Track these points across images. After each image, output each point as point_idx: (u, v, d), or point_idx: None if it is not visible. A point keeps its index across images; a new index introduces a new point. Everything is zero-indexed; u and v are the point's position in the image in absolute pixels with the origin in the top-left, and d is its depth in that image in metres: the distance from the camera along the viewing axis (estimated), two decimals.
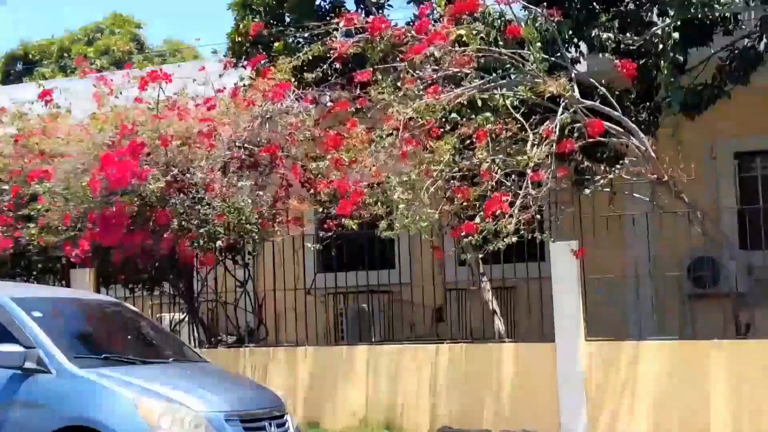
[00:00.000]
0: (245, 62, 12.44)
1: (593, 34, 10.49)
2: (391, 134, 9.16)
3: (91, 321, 8.51)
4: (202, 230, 10.73)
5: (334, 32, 10.55)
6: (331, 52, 10.36)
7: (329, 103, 11.14)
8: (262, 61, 10.98)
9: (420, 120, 9.10)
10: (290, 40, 11.86)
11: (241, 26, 12.25)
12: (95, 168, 10.25)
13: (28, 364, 7.35)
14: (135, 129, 10.53)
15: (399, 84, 10.14)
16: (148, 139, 10.35)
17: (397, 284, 13.79)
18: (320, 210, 9.86)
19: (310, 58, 10.20)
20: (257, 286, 12.65)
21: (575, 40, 10.71)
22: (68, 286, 11.63)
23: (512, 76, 10.18)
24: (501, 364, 10.55)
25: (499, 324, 11.73)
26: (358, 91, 10.65)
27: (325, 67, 10.37)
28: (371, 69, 9.71)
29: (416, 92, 9.91)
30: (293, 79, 11.04)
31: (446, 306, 13.73)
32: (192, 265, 11.92)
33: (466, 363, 10.75)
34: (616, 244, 12.09)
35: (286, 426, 7.77)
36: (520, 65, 9.91)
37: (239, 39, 12.25)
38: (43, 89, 12.39)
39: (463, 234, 9.64)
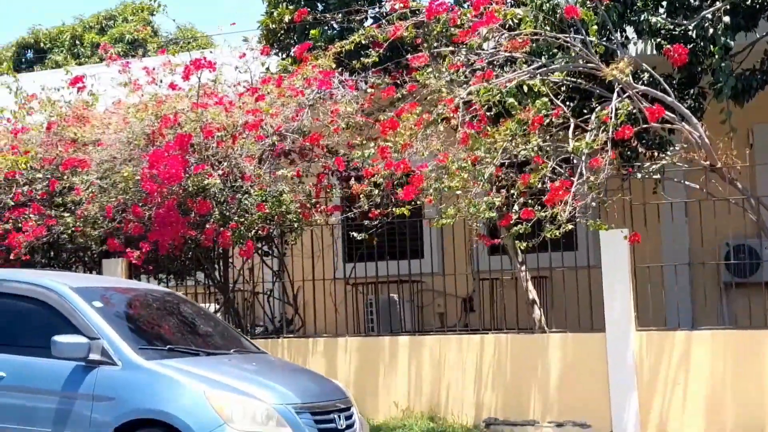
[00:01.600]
0: (277, 49, 12.24)
1: (641, 18, 10.30)
2: (447, 118, 8.96)
3: (149, 311, 8.30)
4: (243, 219, 10.54)
5: (378, 17, 10.35)
6: (375, 37, 10.16)
7: (369, 90, 10.93)
8: (309, 48, 10.72)
9: (478, 103, 8.89)
10: (326, 27, 11.64)
11: (275, 13, 12.00)
12: (144, 166, 10.00)
13: (93, 356, 7.17)
14: (177, 119, 10.29)
15: (445, 68, 9.98)
16: (191, 130, 10.11)
17: (427, 274, 13.67)
18: (373, 196, 9.63)
19: (362, 42, 9.98)
20: (290, 276, 12.49)
21: (623, 24, 10.52)
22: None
23: (561, 61, 10.02)
24: (548, 355, 10.42)
25: (539, 314, 11.57)
26: (403, 77, 10.51)
27: (371, 52, 10.15)
28: (427, 53, 9.49)
29: (464, 77, 9.76)
30: (333, 65, 10.83)
31: (477, 296, 13.60)
32: (228, 254, 11.75)
33: (511, 353, 10.62)
34: (652, 232, 11.97)
35: (353, 418, 7.61)
36: (571, 49, 9.75)
37: (273, 26, 12.00)
38: (74, 76, 12.12)
39: (513, 222, 9.50)
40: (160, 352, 7.42)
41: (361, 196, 9.44)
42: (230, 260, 12.00)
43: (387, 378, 11.06)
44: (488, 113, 9.51)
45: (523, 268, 11.81)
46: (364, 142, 11.15)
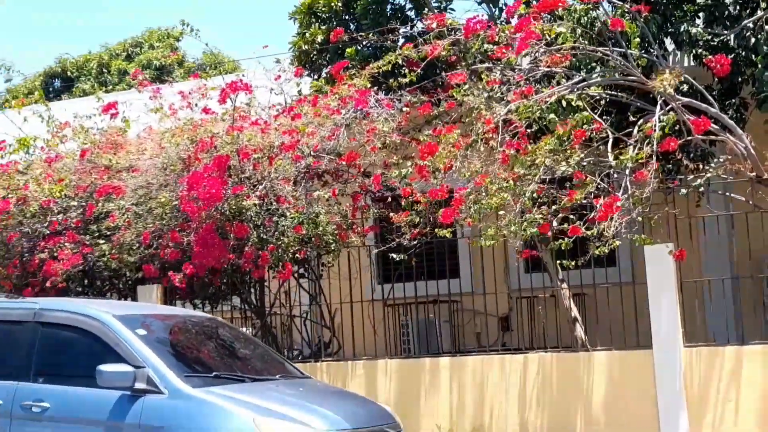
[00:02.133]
0: (309, 70, 12.17)
1: (681, 30, 10.16)
2: (486, 137, 8.84)
3: (191, 337, 8.19)
4: (280, 242, 10.43)
5: (412, 36, 10.26)
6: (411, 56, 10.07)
7: (404, 108, 10.81)
8: (344, 68, 10.63)
9: (518, 120, 8.77)
10: (359, 47, 11.56)
11: (307, 34, 11.94)
12: (183, 189, 9.91)
13: (138, 385, 7.05)
14: (213, 143, 10.21)
15: (483, 86, 9.87)
16: (228, 153, 10.03)
17: (463, 293, 13.51)
18: (416, 220, 9.50)
19: (400, 62, 9.89)
20: (323, 298, 12.35)
21: (661, 36, 10.39)
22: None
23: (599, 75, 9.89)
24: (593, 373, 10.22)
25: (581, 332, 11.36)
26: (438, 95, 10.40)
27: (408, 72, 10.05)
28: (466, 70, 9.38)
29: (501, 93, 9.64)
30: (369, 85, 10.74)
31: (514, 314, 13.43)
32: (263, 278, 11.63)
33: (556, 372, 10.43)
34: (693, 245, 11.78)
35: None
36: (611, 62, 9.62)
37: (305, 47, 11.93)
38: (107, 103, 12.08)
39: (551, 237, 9.36)
40: (206, 379, 7.29)
41: (403, 224, 9.30)
42: (267, 283, 11.88)
43: (429, 400, 10.89)
44: (528, 130, 9.38)
45: (564, 285, 11.65)
46: (400, 161, 11.06)
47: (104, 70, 21.18)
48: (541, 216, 8.83)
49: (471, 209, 8.80)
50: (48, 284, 10.87)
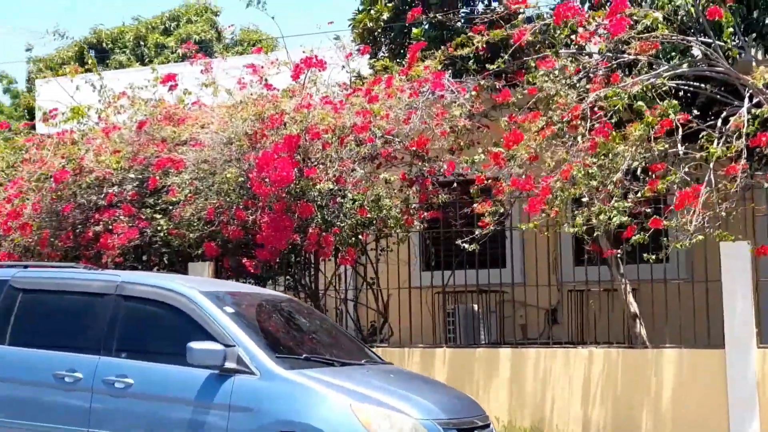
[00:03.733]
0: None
1: (766, 21, 9.91)
2: (574, 126, 8.60)
3: (276, 317, 7.93)
4: (344, 224, 10.19)
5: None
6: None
7: (473, 93, 10.55)
8: (421, 49, 10.35)
9: (608, 107, 8.51)
10: (426, 26, 11.29)
11: (372, 11, 11.65)
12: (252, 168, 9.65)
13: (228, 364, 6.79)
14: (282, 120, 9.94)
15: (560, 71, 9.64)
16: (298, 131, 9.76)
17: (510, 284, 13.26)
18: (500, 209, 9.28)
19: (485, 44, 9.62)
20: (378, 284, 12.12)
21: (744, 27, 10.14)
22: None
23: (683, 64, 9.65)
24: (661, 371, 10.02)
25: (641, 328, 11.13)
26: (512, 80, 10.16)
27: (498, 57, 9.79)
28: (554, 56, 9.13)
29: (578, 80, 9.42)
30: (439, 67, 10.48)
31: (562, 307, 13.21)
32: (318, 259, 11.40)
33: (622, 368, 10.22)
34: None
35: None
36: (694, 52, 9.40)
37: (370, 24, 11.65)
38: (166, 74, 11.82)
39: (635, 232, 9.12)
40: (297, 362, 7.04)
41: (486, 213, 9.06)
42: (320, 265, 11.65)
43: (487, 391, 10.66)
44: (610, 120, 9.14)
45: (624, 279, 11.41)
46: (469, 146, 10.82)
47: (141, 43, 20.89)
48: (629, 204, 8.57)
49: (558, 199, 8.55)
50: (104, 258, 10.61)
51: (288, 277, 11.73)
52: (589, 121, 8.58)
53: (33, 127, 15.41)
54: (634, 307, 11.15)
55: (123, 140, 11.54)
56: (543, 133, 8.78)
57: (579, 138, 8.69)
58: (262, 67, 10.82)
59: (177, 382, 6.95)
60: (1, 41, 54.55)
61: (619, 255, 10.51)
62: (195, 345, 6.79)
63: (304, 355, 7.18)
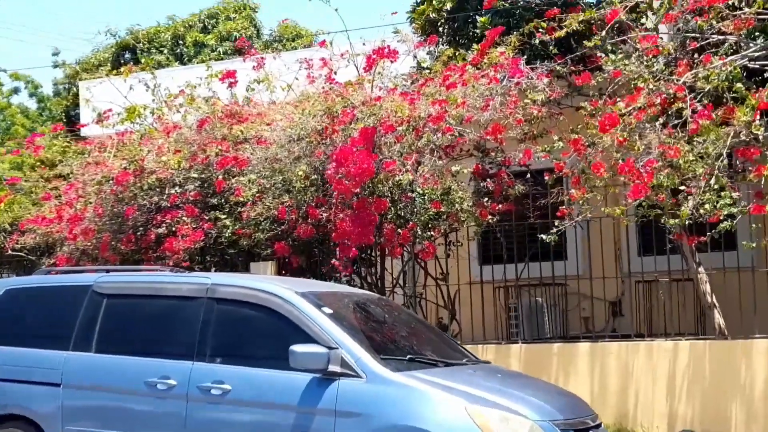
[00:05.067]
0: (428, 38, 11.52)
1: None
2: (680, 109, 8.25)
3: (372, 317, 7.60)
4: (418, 218, 9.88)
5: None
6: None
7: (544, 80, 10.21)
8: (500, 34, 10.02)
9: (709, 87, 8.16)
10: (493, 14, 10.96)
11: (434, 1, 11.33)
12: (329, 165, 9.34)
13: (332, 367, 6.47)
14: (354, 114, 9.63)
15: (641, 52, 9.33)
16: (372, 124, 9.44)
17: (571, 276, 12.92)
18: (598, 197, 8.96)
19: (574, 29, 9.30)
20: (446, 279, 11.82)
21: None
22: None
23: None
24: (751, 363, 9.67)
25: (720, 319, 10.77)
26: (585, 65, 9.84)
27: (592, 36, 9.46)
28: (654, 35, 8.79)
29: (674, 62, 9.09)
30: (511, 54, 10.16)
31: (626, 299, 12.87)
32: (384, 255, 11.07)
33: (709, 360, 9.88)
34: None
35: None
36: None
37: (432, 15, 11.33)
38: (226, 71, 11.54)
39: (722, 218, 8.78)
40: (402, 363, 6.72)
41: (580, 201, 8.73)
42: (384, 261, 11.34)
43: (567, 387, 10.32)
44: (700, 102, 8.79)
45: (701, 269, 11.06)
46: (541, 135, 10.50)
47: (179, 42, 20.63)
48: (737, 195, 8.23)
49: (665, 182, 8.20)
50: (170, 262, 10.31)
51: (353, 275, 11.42)
52: (688, 103, 8.20)
53: (70, 130, 15.20)
54: (710, 298, 10.82)
55: (183, 140, 11.24)
56: (638, 115, 8.43)
57: (665, 123, 8.32)
58: (330, 59, 10.49)
59: (277, 387, 6.65)
60: (25, 47, 54.56)
61: (696, 244, 10.20)
62: (298, 348, 6.48)
63: (408, 356, 6.86)
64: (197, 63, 18.95)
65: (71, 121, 16.94)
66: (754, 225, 9.34)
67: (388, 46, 9.94)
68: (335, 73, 10.44)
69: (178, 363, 7.00)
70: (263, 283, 7.27)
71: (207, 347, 6.97)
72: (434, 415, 6.23)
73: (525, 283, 11.97)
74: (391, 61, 9.96)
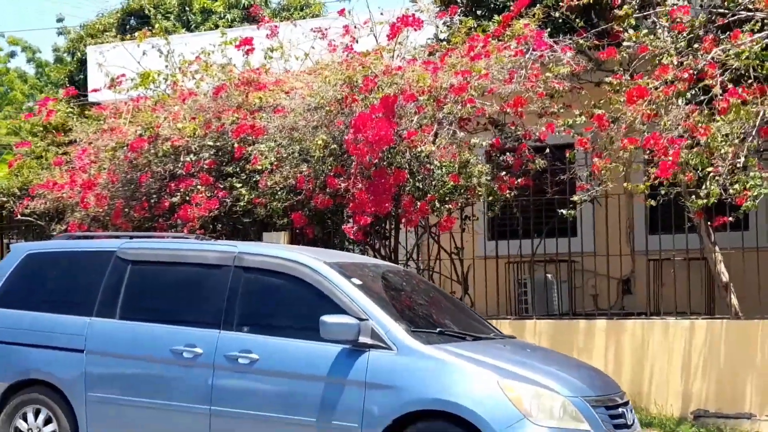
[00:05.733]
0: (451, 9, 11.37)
1: None
2: (708, 85, 8.15)
3: (400, 289, 7.52)
4: (438, 191, 9.79)
5: None
6: None
7: (568, 54, 10.10)
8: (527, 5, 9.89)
9: (742, 65, 8.06)
10: None
11: None
12: (348, 132, 9.24)
13: (363, 339, 6.41)
14: (375, 83, 9.51)
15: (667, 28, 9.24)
16: (393, 94, 9.33)
17: (581, 253, 12.88)
18: (620, 168, 8.89)
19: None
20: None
21: None
22: None
23: None
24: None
25: (734, 299, 10.73)
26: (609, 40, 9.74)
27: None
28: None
29: (697, 38, 8.99)
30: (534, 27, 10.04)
31: (637, 277, 12.82)
32: (398, 227, 11.00)
33: (725, 341, 9.85)
34: None
35: (633, 414, 6.88)
36: None
37: None
38: (243, 38, 11.39)
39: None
40: (432, 336, 6.66)
41: (602, 171, 8.65)
42: (398, 233, 11.26)
43: None
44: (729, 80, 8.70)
45: (716, 248, 11.01)
46: (561, 109, 10.40)
47: (186, 9, 20.42)
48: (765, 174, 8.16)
49: (694, 161, 8.12)
50: (186, 230, 10.21)
51: (366, 246, 11.34)
52: (717, 80, 8.11)
53: (76, 96, 15.03)
54: (725, 277, 10.77)
55: (198, 107, 11.11)
56: (666, 90, 8.34)
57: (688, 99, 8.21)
58: (357, 27, 10.36)
59: (306, 357, 6.59)
60: (21, 11, 54.00)
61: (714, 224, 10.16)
62: (328, 318, 6.42)
63: (438, 329, 6.79)
64: (205, 30, 18.76)
65: (75, 86, 16.69)
66: None
67: (413, 14, 9.81)
68: (357, 41, 10.31)
69: (204, 331, 6.93)
70: (291, 252, 7.19)
71: (234, 316, 6.90)
72: (466, 388, 6.18)
73: (536, 259, 11.92)
74: (415, 29, 9.84)
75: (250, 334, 6.83)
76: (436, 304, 7.65)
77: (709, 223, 9.90)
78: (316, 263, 6.87)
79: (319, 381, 6.51)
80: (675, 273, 11.58)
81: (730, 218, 9.33)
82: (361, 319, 6.46)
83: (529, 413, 6.07)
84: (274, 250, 7.29)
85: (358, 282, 6.79)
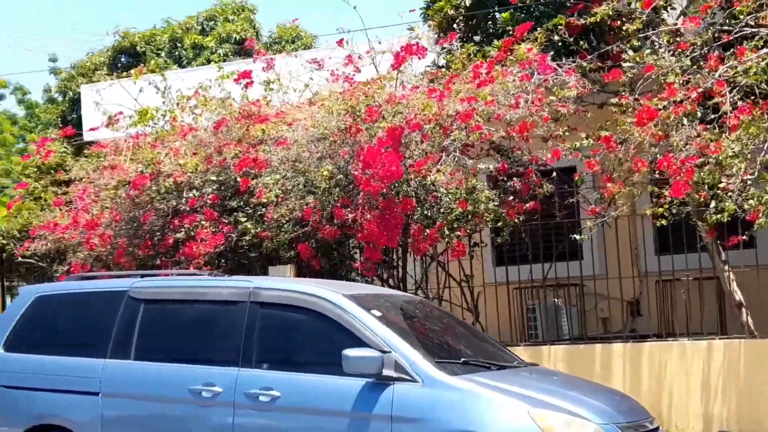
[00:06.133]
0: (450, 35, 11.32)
1: None
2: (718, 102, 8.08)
3: (419, 320, 7.35)
4: (445, 219, 9.68)
5: None
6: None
7: (567, 78, 10.03)
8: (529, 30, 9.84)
9: (751, 82, 7.99)
10: (514, 10, 10.79)
11: None
12: (356, 166, 9.13)
13: (387, 372, 6.25)
14: (380, 112, 9.41)
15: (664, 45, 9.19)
16: (398, 123, 9.23)
17: (588, 276, 12.76)
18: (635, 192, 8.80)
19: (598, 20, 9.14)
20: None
21: None
22: None
23: None
24: None
25: (748, 317, 10.61)
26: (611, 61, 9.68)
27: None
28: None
29: (701, 56, 8.94)
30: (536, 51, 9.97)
31: (645, 299, 12.70)
32: (407, 257, 10.87)
33: (744, 360, 9.72)
34: None
35: None
36: None
37: (451, 12, 11.14)
38: (242, 71, 11.30)
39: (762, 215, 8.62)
40: (457, 366, 6.51)
41: (616, 196, 8.55)
42: (406, 263, 11.12)
43: None
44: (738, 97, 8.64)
45: (726, 267, 10.90)
46: (567, 132, 10.31)
47: (177, 45, 20.33)
48: None
49: (706, 180, 8.03)
50: (192, 267, 10.05)
51: (374, 276, 11.20)
52: (727, 98, 8.03)
53: (72, 136, 14.93)
54: (738, 296, 10.66)
55: (198, 142, 10.99)
56: (675, 110, 8.26)
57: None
58: (360, 57, 10.27)
59: (329, 392, 6.42)
60: (17, 54, 54.04)
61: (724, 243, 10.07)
62: (351, 352, 6.26)
63: (462, 359, 6.64)
64: (197, 65, 18.68)
65: (68, 126, 16.58)
66: None
67: (417, 43, 9.72)
68: (360, 71, 10.21)
69: (222, 369, 6.76)
70: (307, 285, 7.04)
71: (252, 353, 6.74)
72: (497, 419, 6.03)
73: (542, 284, 11.80)
74: (419, 58, 9.75)
75: (270, 370, 6.66)
76: (456, 333, 7.50)
77: (719, 241, 9.79)
78: (334, 296, 6.72)
79: (344, 416, 6.34)
80: (686, 293, 11.50)
81: (744, 237, 9.23)
82: (384, 352, 6.30)
83: None
84: (290, 285, 7.14)
85: (378, 314, 6.64)
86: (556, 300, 12.47)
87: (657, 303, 12.06)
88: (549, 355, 10.48)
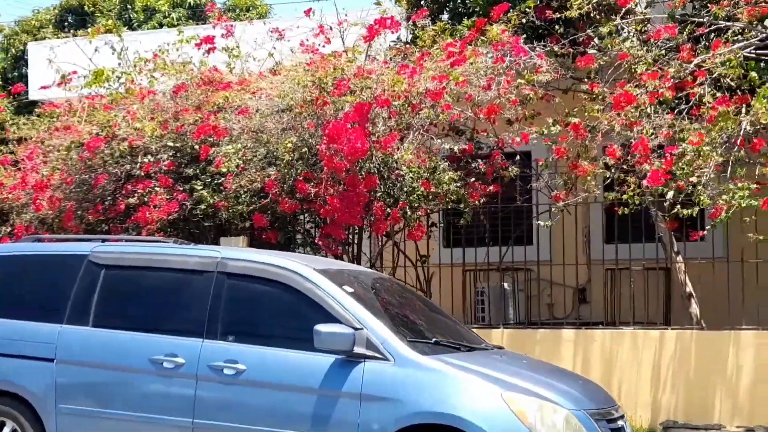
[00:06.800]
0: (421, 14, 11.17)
1: None
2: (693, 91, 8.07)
3: (390, 298, 7.19)
4: (409, 198, 9.57)
5: None
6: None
7: (538, 61, 9.97)
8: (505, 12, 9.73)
9: (727, 75, 8.00)
10: None
11: None
12: (321, 140, 8.95)
13: (358, 349, 6.12)
14: (348, 86, 9.24)
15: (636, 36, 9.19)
16: (366, 99, 9.07)
17: (536, 262, 12.79)
18: (606, 177, 8.77)
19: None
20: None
21: None
22: None
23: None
24: (738, 353, 9.63)
25: (696, 309, 10.73)
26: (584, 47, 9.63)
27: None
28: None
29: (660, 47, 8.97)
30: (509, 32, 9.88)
31: (592, 287, 12.76)
32: (362, 235, 10.75)
33: (695, 351, 9.81)
34: None
35: (629, 427, 6.73)
36: None
37: None
38: (204, 36, 11.02)
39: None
40: (428, 346, 6.41)
41: (588, 177, 8.51)
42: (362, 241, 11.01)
43: None
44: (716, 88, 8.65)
45: (680, 258, 10.99)
46: (532, 117, 10.26)
47: (128, 6, 19.80)
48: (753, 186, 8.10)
49: (685, 170, 8.02)
50: (144, 233, 9.81)
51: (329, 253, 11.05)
52: (706, 89, 8.04)
53: (18, 94, 14.50)
54: (689, 287, 10.76)
55: (155, 105, 10.71)
56: (651, 97, 8.24)
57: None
58: (331, 28, 10.07)
59: (297, 368, 6.28)
60: None
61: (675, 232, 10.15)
62: (323, 327, 6.12)
63: (433, 340, 6.54)
64: (148, 29, 18.25)
65: (10, 83, 16.09)
66: (746, 218, 9.24)
67: (392, 17, 9.56)
68: (330, 42, 10.02)
69: (186, 340, 6.57)
70: (278, 258, 6.87)
71: (218, 324, 6.56)
72: (469, 401, 5.94)
73: (494, 267, 11.78)
74: (393, 32, 9.59)
75: (236, 343, 6.49)
76: (424, 313, 7.40)
77: (673, 233, 9.86)
78: (306, 270, 6.57)
79: (311, 393, 6.20)
80: (633, 283, 11.56)
81: (705, 231, 9.29)
82: (355, 329, 6.17)
83: (534, 427, 5.86)
84: (258, 256, 6.95)
85: (350, 290, 6.50)
86: (504, 284, 12.46)
87: (604, 291, 12.13)
88: (500, 338, 10.45)
